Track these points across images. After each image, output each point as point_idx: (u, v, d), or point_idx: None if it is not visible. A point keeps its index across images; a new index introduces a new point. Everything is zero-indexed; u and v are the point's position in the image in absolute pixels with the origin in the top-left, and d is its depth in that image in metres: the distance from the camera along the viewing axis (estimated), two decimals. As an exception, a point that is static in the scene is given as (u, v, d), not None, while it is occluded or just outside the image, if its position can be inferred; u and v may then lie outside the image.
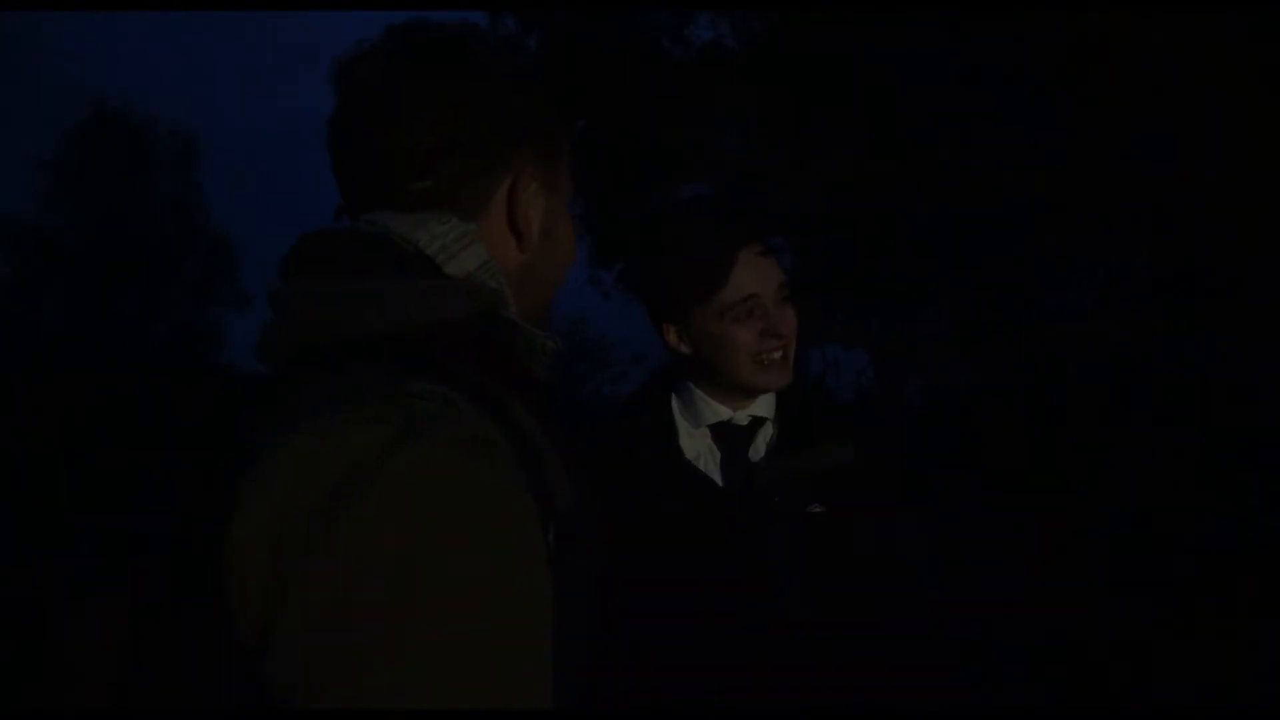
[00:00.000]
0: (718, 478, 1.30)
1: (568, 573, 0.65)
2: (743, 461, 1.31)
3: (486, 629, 0.55)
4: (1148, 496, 5.12)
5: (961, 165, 5.13)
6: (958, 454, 7.28)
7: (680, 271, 1.32)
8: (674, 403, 1.36)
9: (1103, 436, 5.98)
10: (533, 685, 0.57)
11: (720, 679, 1.21)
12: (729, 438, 1.32)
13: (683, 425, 1.34)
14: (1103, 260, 7.95)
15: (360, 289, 0.69)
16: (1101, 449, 5.89)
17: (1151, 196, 4.85)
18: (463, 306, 0.70)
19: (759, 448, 1.32)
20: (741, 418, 1.32)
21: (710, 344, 1.29)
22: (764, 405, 1.33)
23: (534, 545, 0.60)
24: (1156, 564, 4.80)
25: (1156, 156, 4.68)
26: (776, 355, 1.28)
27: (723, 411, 1.32)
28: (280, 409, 0.60)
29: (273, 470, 0.56)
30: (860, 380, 10.98)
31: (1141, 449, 5.51)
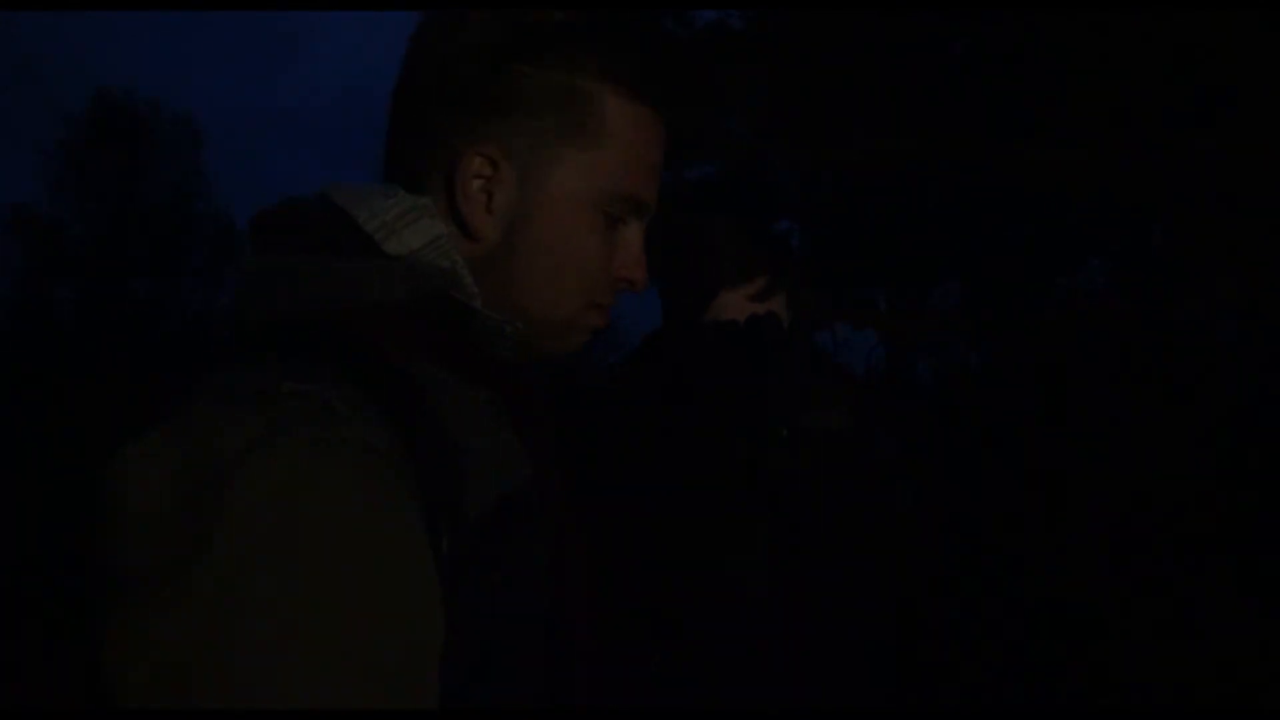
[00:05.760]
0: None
1: (510, 563, 0.63)
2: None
3: (329, 634, 0.51)
4: (1161, 477, 5.08)
5: (971, 143, 5.06)
6: (968, 434, 7.25)
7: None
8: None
9: (1116, 417, 5.93)
10: (389, 687, 0.53)
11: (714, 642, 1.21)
12: None
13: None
14: (1115, 239, 7.87)
15: (278, 268, 0.64)
16: (1114, 429, 5.85)
17: (1165, 174, 4.78)
18: (397, 288, 0.65)
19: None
20: None
21: None
22: None
23: (400, 552, 0.56)
24: (1165, 546, 4.77)
25: (1171, 133, 4.61)
26: None
27: None
28: (174, 401, 0.58)
29: (133, 469, 0.54)
30: (870, 360, 10.95)
31: (1155, 429, 5.46)
